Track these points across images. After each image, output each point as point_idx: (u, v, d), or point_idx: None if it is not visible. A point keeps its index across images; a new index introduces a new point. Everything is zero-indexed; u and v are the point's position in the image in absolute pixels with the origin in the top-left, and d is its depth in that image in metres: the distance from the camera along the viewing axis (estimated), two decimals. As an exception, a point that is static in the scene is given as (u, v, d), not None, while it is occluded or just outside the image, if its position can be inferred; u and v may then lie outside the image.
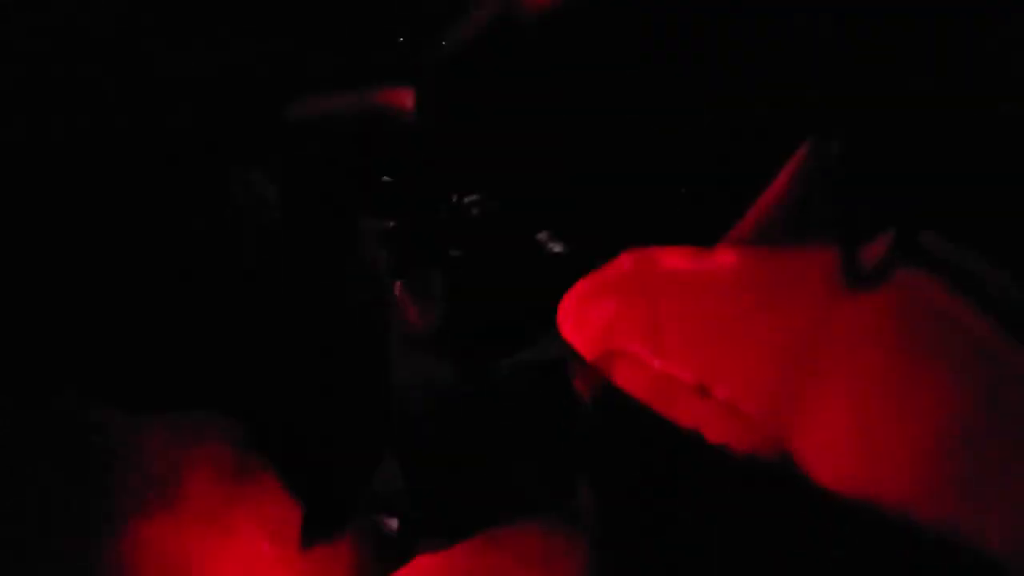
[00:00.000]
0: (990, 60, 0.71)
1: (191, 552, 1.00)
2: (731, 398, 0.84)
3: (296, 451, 1.03)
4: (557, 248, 1.14)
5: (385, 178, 1.03)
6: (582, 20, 0.73)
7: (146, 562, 0.99)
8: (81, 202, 1.09)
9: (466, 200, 1.06)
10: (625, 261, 0.91)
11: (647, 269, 0.90)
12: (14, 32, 1.15)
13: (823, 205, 0.91)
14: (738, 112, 0.77)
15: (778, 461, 0.81)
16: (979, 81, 0.72)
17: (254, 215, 1.03)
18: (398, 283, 1.11)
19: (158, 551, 1.00)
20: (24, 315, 1.09)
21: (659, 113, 0.80)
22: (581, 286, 0.91)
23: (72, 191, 1.10)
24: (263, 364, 1.05)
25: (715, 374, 0.87)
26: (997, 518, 0.77)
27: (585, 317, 0.90)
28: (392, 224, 1.09)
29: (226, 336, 1.04)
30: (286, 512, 1.02)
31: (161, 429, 1.02)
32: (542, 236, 1.15)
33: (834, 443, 0.83)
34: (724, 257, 0.91)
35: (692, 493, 0.83)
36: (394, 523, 1.07)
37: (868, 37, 0.66)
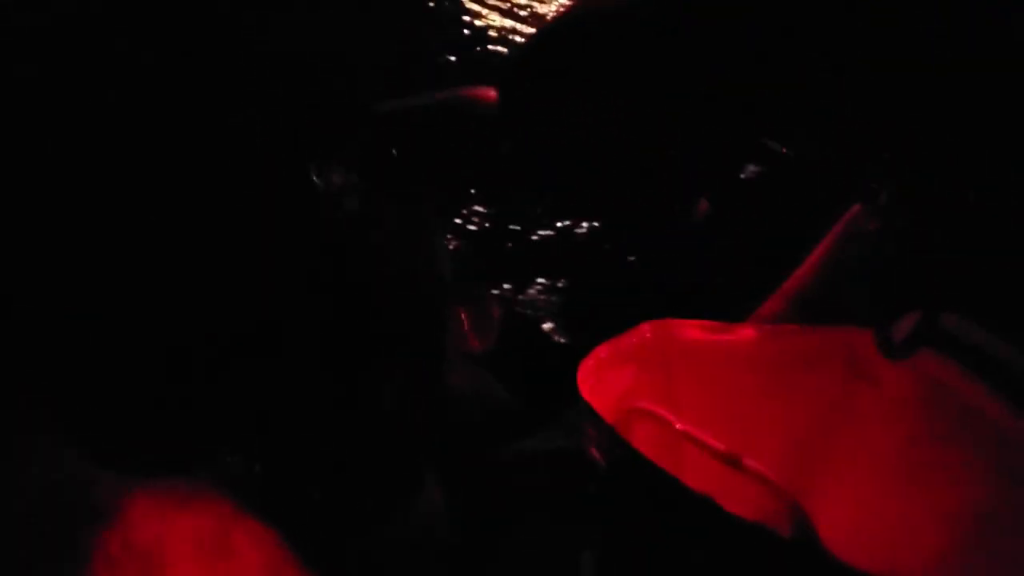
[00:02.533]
0: None
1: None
2: (753, 468, 0.82)
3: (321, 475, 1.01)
4: (563, 339, 1.15)
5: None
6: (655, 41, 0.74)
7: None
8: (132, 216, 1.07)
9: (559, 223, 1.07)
10: (645, 330, 0.91)
11: (667, 339, 0.90)
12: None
13: (853, 285, 0.91)
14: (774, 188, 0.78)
15: (798, 534, 0.80)
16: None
17: (334, 206, 1.03)
18: (460, 305, 1.10)
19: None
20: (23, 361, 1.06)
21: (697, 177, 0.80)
22: (601, 350, 0.90)
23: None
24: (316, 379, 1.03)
25: (733, 445, 0.86)
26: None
27: (604, 380, 0.89)
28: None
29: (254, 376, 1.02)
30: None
31: (148, 495, 0.99)
32: (548, 327, 1.15)
33: (852, 521, 0.82)
34: (744, 332, 0.91)
35: (709, 563, 0.81)
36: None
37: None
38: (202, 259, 1.04)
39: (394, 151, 1.01)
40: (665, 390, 0.89)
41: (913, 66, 0.70)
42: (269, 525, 1.02)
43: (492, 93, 0.97)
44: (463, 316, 1.14)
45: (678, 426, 0.83)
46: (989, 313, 0.82)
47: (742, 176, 0.94)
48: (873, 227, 0.87)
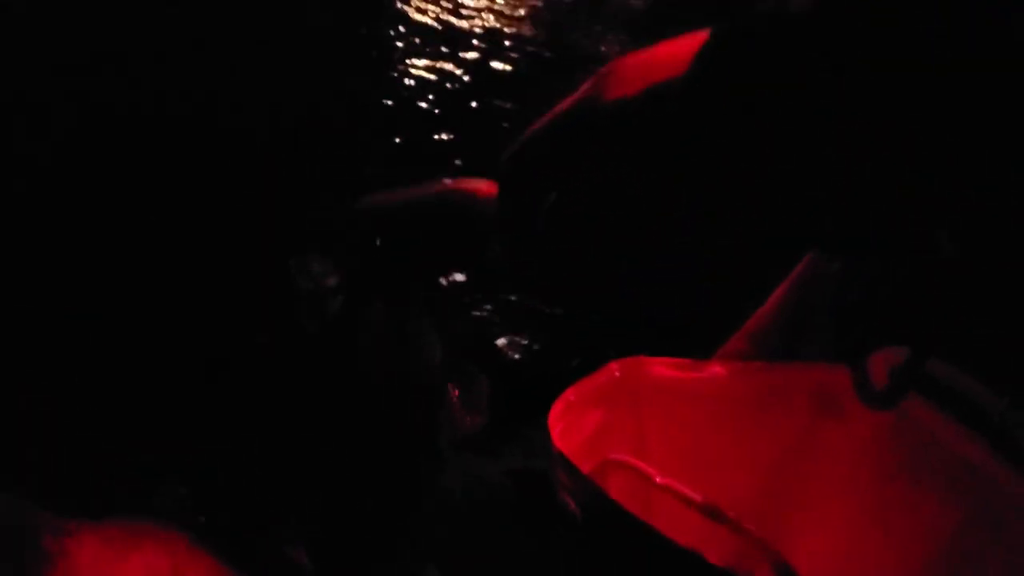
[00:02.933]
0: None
1: None
2: (731, 519, 0.81)
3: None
4: (516, 355, 1.12)
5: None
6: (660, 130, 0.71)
7: None
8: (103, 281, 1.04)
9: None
10: (613, 369, 0.89)
11: (635, 377, 0.89)
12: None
13: (816, 323, 0.91)
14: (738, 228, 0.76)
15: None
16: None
17: (315, 303, 0.98)
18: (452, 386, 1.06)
19: None
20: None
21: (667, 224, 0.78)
22: (570, 393, 0.88)
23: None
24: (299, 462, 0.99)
25: (704, 487, 0.85)
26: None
27: (574, 425, 0.87)
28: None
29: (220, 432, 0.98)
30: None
31: (96, 535, 0.94)
32: (502, 342, 1.13)
33: (822, 563, 0.82)
34: (712, 370, 0.90)
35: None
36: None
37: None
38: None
39: (379, 245, 0.96)
40: (636, 431, 0.88)
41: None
42: (223, 562, 0.98)
43: (486, 187, 0.91)
44: (454, 395, 1.10)
45: (658, 480, 0.81)
46: (957, 352, 0.82)
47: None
48: (836, 266, 0.87)
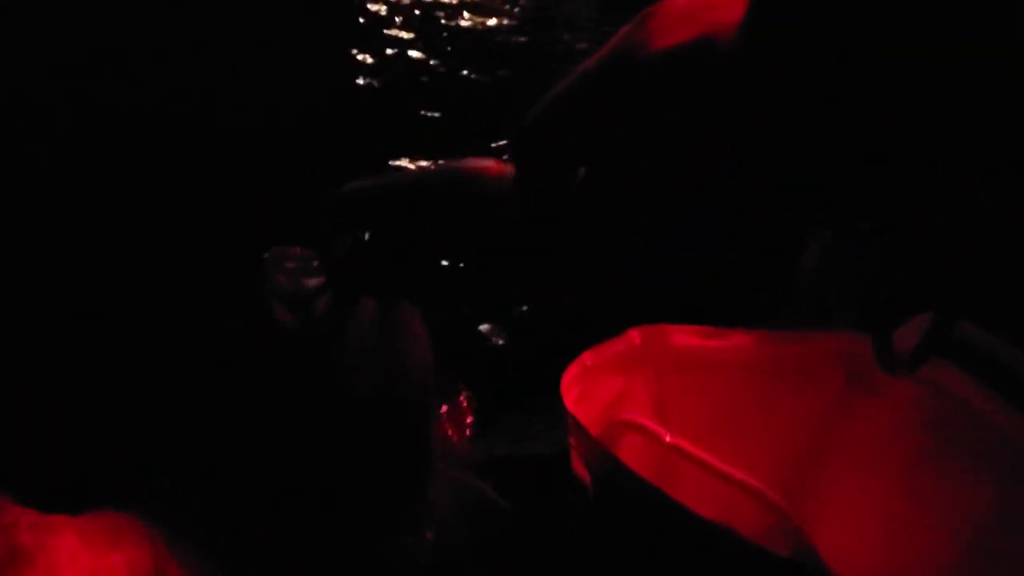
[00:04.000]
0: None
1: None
2: (748, 484, 0.78)
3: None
4: (500, 340, 1.09)
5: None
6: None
7: None
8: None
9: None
10: (633, 335, 0.86)
11: (657, 344, 0.85)
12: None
13: (844, 290, 0.87)
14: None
15: (798, 553, 0.75)
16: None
17: (294, 304, 0.93)
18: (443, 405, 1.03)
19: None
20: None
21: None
22: (587, 357, 0.85)
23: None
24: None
25: (726, 459, 0.81)
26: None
27: (590, 390, 0.84)
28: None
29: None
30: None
31: (75, 532, 0.92)
32: (485, 328, 1.10)
33: (851, 541, 0.78)
34: (737, 338, 0.86)
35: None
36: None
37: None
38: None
39: (370, 236, 0.88)
40: (655, 400, 0.84)
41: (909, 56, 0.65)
42: (206, 557, 0.95)
43: (494, 164, 0.82)
44: (443, 415, 1.08)
45: (667, 439, 0.78)
46: (993, 316, 0.77)
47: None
48: (862, 228, 0.83)
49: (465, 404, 1.08)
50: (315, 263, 0.93)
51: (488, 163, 0.83)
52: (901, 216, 0.68)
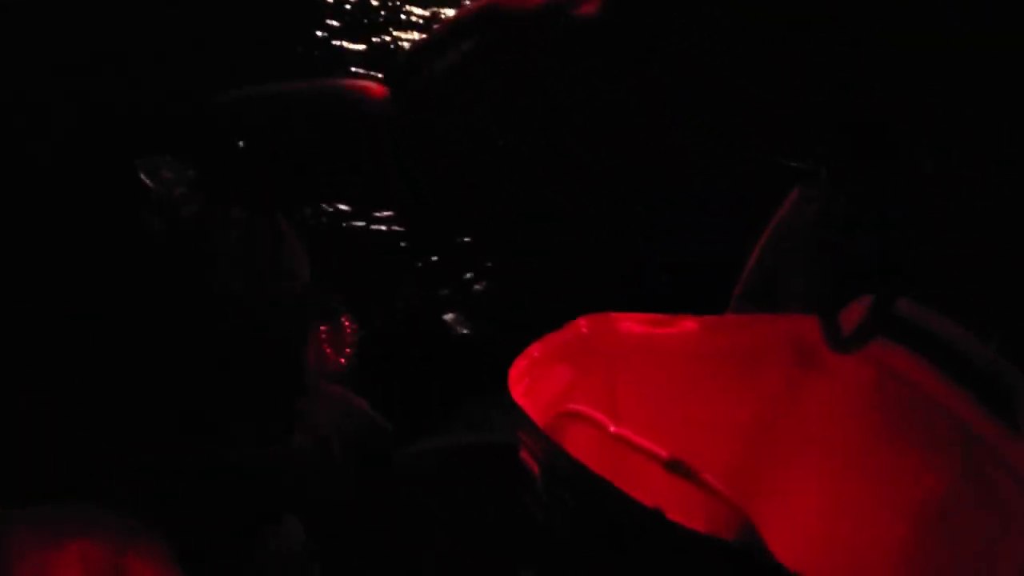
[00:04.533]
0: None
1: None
2: (694, 472, 0.77)
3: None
4: (464, 330, 1.09)
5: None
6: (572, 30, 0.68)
7: None
8: None
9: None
10: (581, 324, 0.85)
11: (605, 333, 0.84)
12: None
13: (795, 276, 0.86)
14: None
15: (744, 542, 0.74)
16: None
17: (165, 209, 0.93)
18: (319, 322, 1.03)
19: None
20: None
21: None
22: (534, 349, 0.84)
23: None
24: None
25: (676, 446, 0.80)
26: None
27: (538, 381, 0.83)
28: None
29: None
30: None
31: (29, 524, 0.91)
32: (449, 317, 1.09)
33: (803, 525, 0.77)
34: (686, 325, 0.85)
35: (654, 573, 0.75)
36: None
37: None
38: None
39: (241, 147, 0.89)
40: (605, 390, 0.83)
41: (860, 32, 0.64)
42: (162, 545, 0.95)
43: (376, 87, 0.85)
44: (321, 333, 1.07)
45: (612, 429, 0.77)
46: (942, 297, 0.76)
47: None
48: (813, 208, 0.82)
49: (348, 327, 1.08)
50: (188, 171, 0.94)
51: (370, 84, 0.87)
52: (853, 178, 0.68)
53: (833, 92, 0.64)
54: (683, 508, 0.76)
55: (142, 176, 0.94)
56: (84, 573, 0.88)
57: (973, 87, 0.60)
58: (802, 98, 0.67)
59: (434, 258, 1.12)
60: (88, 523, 0.92)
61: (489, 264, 1.09)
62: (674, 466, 0.76)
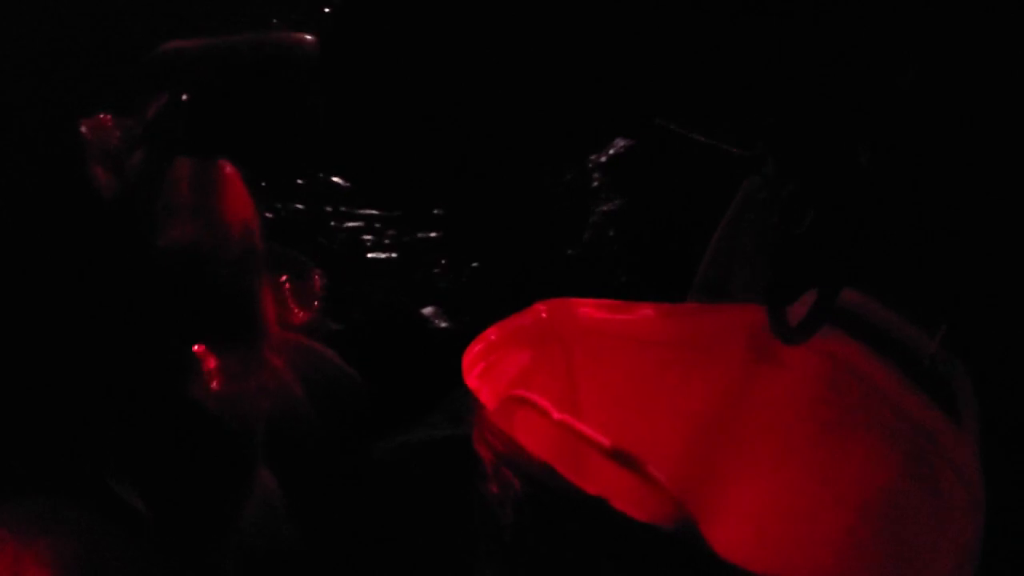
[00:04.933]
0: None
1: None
2: (641, 463, 0.78)
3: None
4: (443, 324, 1.10)
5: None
6: None
7: None
8: None
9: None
10: (539, 309, 0.86)
11: (564, 319, 0.85)
12: None
13: (744, 267, 0.86)
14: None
15: (685, 534, 0.75)
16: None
17: (109, 162, 0.94)
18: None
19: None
20: None
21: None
22: (491, 332, 0.85)
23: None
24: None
25: (626, 436, 0.81)
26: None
27: (495, 365, 0.84)
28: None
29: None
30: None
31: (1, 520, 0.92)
32: (428, 311, 1.10)
33: (749, 514, 0.77)
34: (643, 312, 0.85)
35: (596, 566, 0.76)
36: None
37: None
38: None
39: (185, 99, 0.91)
40: (562, 375, 0.84)
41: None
42: (135, 538, 0.95)
43: (310, 37, 0.87)
44: (284, 285, 1.08)
45: (555, 416, 0.78)
46: (889, 289, 0.76)
47: (611, 152, 0.88)
48: (760, 200, 0.82)
49: (317, 281, 1.09)
50: (130, 124, 0.96)
51: (304, 35, 0.90)
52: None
53: (776, 83, 0.63)
54: (629, 497, 0.77)
55: (84, 131, 0.96)
56: (57, 568, 0.89)
57: (909, 83, 0.60)
58: (750, 87, 0.67)
59: (407, 251, 1.13)
60: (62, 519, 0.92)
61: (467, 257, 1.10)
62: (616, 455, 0.77)
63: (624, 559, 0.75)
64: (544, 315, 0.86)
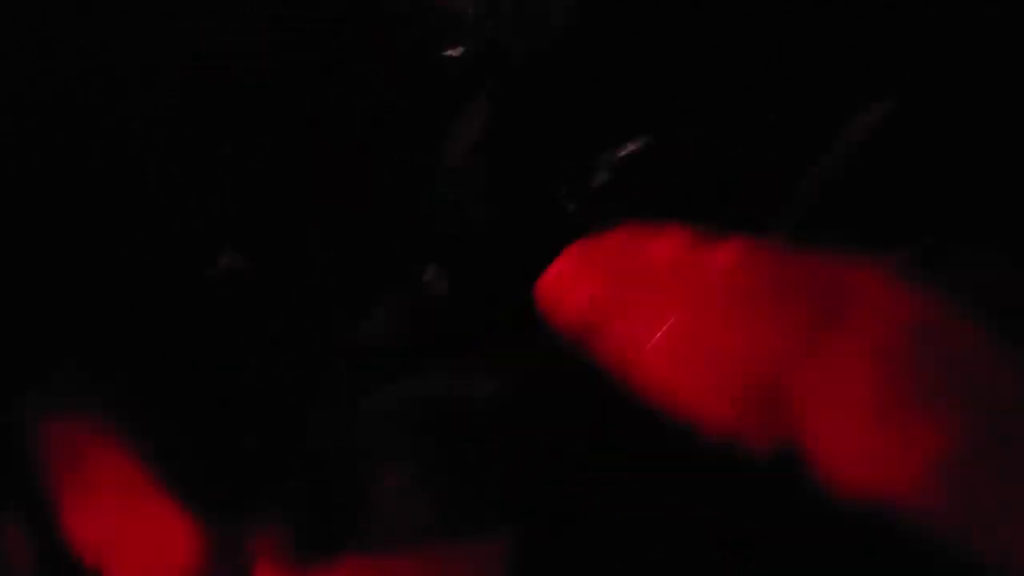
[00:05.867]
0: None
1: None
2: (730, 392, 0.75)
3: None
4: (443, 286, 1.07)
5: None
6: None
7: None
8: None
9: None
10: (620, 236, 0.83)
11: (643, 246, 0.82)
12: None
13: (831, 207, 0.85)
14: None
15: (780, 461, 0.72)
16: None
17: None
18: None
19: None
20: None
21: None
22: (566, 259, 0.82)
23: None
24: None
25: (701, 373, 0.78)
26: (1012, 534, 0.70)
27: (568, 293, 0.81)
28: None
29: None
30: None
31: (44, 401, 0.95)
32: (428, 274, 1.08)
33: (843, 446, 0.75)
34: (729, 247, 0.83)
35: (681, 495, 0.73)
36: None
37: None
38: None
39: None
40: (637, 303, 0.81)
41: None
42: None
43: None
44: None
45: (645, 346, 0.75)
46: (973, 237, 0.75)
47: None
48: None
49: None
50: None
51: None
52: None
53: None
54: (722, 429, 0.74)
55: None
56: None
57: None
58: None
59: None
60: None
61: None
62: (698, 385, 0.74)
63: (708, 487, 0.72)
64: (622, 241, 0.83)
